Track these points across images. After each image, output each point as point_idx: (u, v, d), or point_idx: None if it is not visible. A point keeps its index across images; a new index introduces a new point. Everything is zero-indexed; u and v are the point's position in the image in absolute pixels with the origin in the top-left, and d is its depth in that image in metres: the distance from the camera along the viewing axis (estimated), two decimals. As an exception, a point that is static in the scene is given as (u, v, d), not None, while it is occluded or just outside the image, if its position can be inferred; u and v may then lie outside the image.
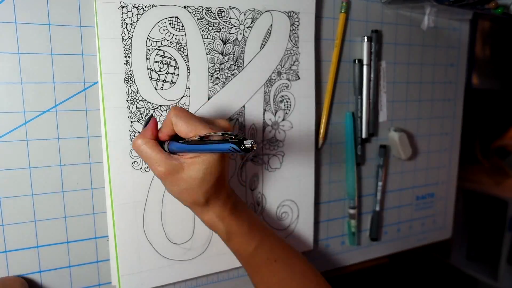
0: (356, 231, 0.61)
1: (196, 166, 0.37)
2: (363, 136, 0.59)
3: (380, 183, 0.62)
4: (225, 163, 0.40)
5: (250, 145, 0.32)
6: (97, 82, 0.42)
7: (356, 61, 0.57)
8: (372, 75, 0.58)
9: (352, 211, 0.60)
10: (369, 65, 0.58)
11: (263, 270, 0.44)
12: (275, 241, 0.45)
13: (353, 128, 0.58)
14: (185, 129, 0.37)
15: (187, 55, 0.45)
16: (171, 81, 0.45)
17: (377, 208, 0.63)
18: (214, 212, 0.40)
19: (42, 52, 0.40)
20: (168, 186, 0.39)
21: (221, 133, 0.35)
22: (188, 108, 0.46)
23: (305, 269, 0.45)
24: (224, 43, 0.47)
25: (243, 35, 0.48)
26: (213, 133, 0.36)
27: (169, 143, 0.39)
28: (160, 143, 0.39)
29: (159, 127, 0.40)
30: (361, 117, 0.58)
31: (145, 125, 0.40)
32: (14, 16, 0.38)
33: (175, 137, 0.39)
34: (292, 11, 0.50)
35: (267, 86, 0.50)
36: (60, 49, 0.41)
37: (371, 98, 0.59)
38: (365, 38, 0.57)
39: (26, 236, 0.42)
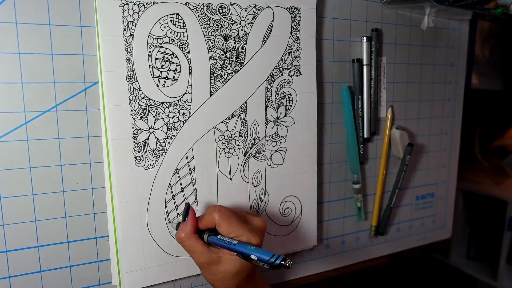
0: (362, 206, 0.61)
1: (232, 262, 0.42)
2: (365, 135, 0.59)
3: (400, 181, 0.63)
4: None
5: (287, 264, 0.39)
6: (97, 82, 0.42)
7: (356, 61, 0.57)
8: (372, 74, 0.58)
9: (356, 186, 0.60)
10: (369, 64, 0.58)
11: None
12: None
13: (351, 103, 0.57)
14: (227, 230, 0.42)
15: (188, 52, 0.45)
16: (173, 78, 0.45)
17: (392, 204, 0.63)
18: None
19: (42, 52, 0.40)
20: (203, 273, 0.44)
21: (257, 259, 0.40)
22: (190, 106, 0.46)
23: None
24: (226, 39, 0.47)
25: (244, 31, 0.48)
26: (253, 259, 0.40)
27: (208, 237, 0.43)
28: (199, 231, 0.43)
29: (197, 214, 0.45)
30: (362, 117, 0.58)
31: (184, 215, 0.44)
32: (14, 16, 0.38)
33: (214, 229, 0.43)
34: (293, 6, 0.50)
35: (268, 82, 0.50)
36: (60, 49, 0.41)
37: (372, 97, 0.59)
38: (365, 38, 0.57)
39: (26, 236, 0.42)
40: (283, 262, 0.39)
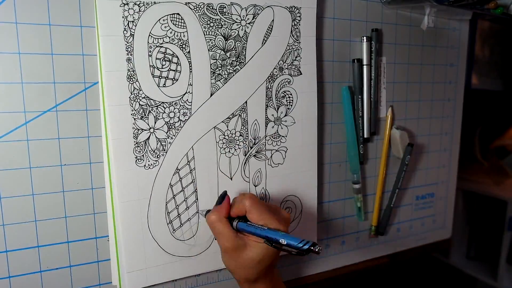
0: (362, 206, 0.61)
1: (257, 249, 0.42)
2: (365, 135, 0.59)
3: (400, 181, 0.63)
4: (279, 252, 0.44)
5: (317, 250, 0.39)
6: (98, 82, 0.42)
7: (356, 61, 0.57)
8: (372, 74, 0.58)
9: (356, 186, 0.60)
10: (369, 64, 0.58)
11: None
12: None
13: (351, 103, 0.57)
14: (257, 217, 0.43)
15: (189, 52, 0.45)
16: (174, 78, 0.45)
17: (392, 204, 0.63)
18: None
19: (42, 52, 0.40)
20: (226, 259, 0.44)
21: (286, 243, 0.40)
22: (191, 106, 0.46)
23: None
24: (226, 39, 0.47)
25: (245, 31, 0.48)
26: (281, 245, 0.40)
27: (238, 223, 0.43)
28: (230, 218, 0.44)
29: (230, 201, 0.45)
30: (362, 117, 0.58)
31: (219, 200, 0.45)
32: (14, 16, 0.38)
33: (243, 217, 0.44)
34: (294, 6, 0.50)
35: (269, 81, 0.50)
36: (60, 49, 0.41)
37: (372, 97, 0.59)
38: (365, 38, 0.57)
39: (26, 236, 0.42)
40: (312, 248, 0.39)
